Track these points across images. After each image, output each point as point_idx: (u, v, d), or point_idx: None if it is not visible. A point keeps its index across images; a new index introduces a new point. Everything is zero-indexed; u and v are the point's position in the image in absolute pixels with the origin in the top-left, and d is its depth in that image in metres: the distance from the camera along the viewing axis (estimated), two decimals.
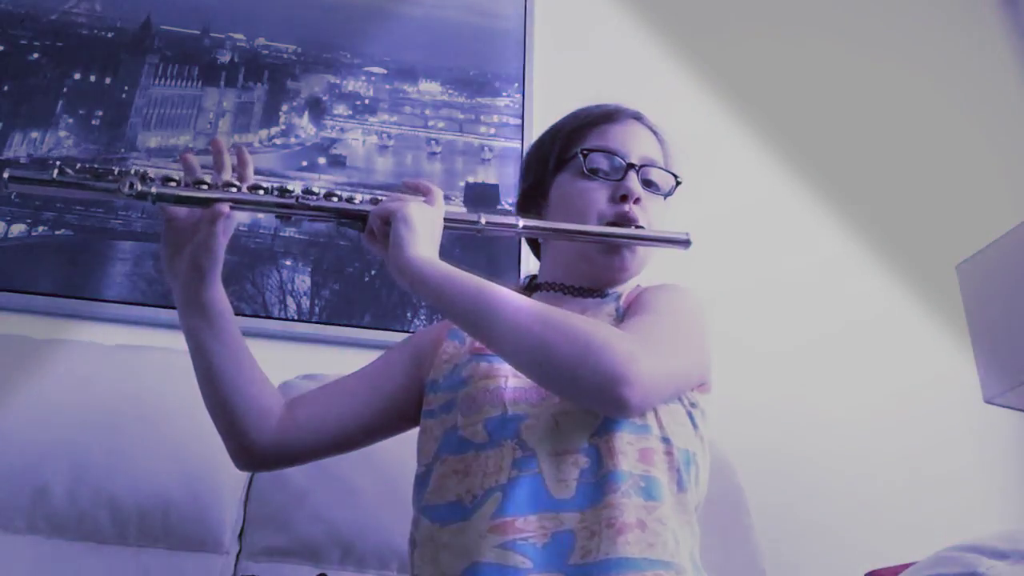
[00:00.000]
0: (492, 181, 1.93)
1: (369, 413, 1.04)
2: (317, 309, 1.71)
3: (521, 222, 0.99)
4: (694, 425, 0.96)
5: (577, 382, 0.81)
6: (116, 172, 0.87)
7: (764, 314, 1.94)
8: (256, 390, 0.98)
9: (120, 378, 1.37)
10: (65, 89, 1.79)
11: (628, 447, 0.87)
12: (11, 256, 1.62)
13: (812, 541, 1.70)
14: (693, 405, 0.97)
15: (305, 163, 1.85)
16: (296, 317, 1.69)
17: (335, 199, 0.93)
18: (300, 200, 0.91)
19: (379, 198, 0.94)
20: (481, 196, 1.90)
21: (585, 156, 1.03)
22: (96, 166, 0.88)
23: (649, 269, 1.08)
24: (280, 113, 1.89)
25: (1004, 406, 1.68)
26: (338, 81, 1.95)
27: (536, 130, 1.17)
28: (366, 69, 1.98)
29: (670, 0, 2.24)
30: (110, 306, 1.61)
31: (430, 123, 1.96)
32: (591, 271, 1.04)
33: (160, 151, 1.78)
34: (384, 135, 1.92)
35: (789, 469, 1.77)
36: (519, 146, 1.93)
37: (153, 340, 1.53)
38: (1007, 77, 2.38)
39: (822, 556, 1.67)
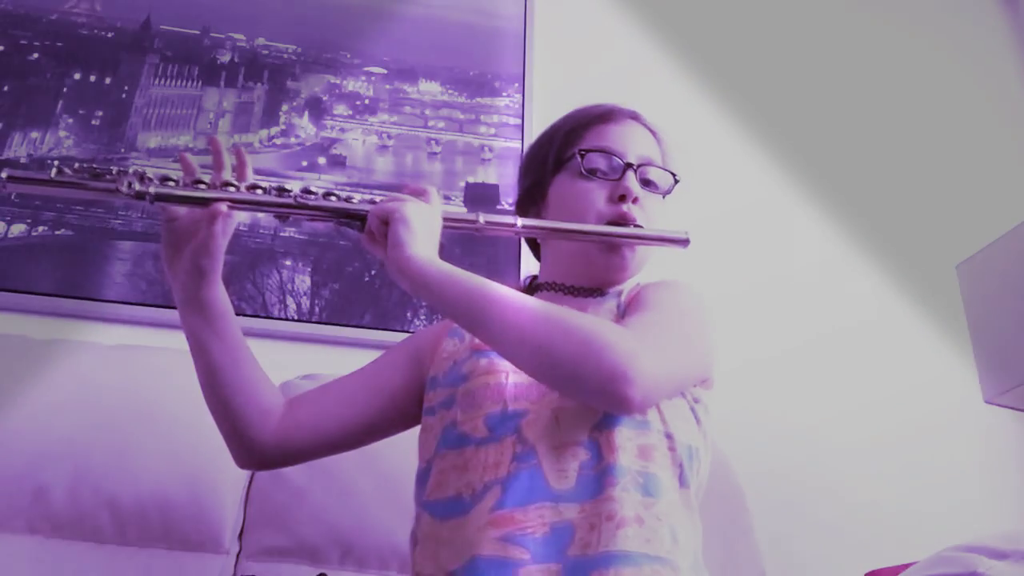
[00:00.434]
0: (492, 181, 1.93)
1: (369, 412, 1.04)
2: (317, 309, 1.71)
3: (520, 221, 0.99)
4: (697, 420, 0.96)
5: (579, 380, 0.81)
6: (114, 172, 0.86)
7: (764, 314, 1.94)
8: (257, 389, 0.98)
9: (120, 378, 1.37)
10: (65, 89, 1.79)
11: (628, 442, 0.88)
12: (11, 256, 1.62)
13: (812, 541, 1.70)
14: (696, 400, 0.97)
15: (305, 163, 1.85)
16: (296, 317, 1.69)
17: (334, 199, 0.92)
18: (299, 200, 0.91)
19: (376, 198, 0.94)
20: (481, 196, 1.90)
21: (583, 156, 1.03)
22: (94, 166, 0.87)
23: (648, 269, 1.08)
24: (280, 113, 1.89)
25: (1004, 406, 1.68)
26: (338, 81, 1.95)
27: (536, 130, 1.17)
28: (366, 69, 1.98)
29: (670, 0, 2.24)
30: (110, 306, 1.62)
31: (430, 123, 1.96)
32: (591, 270, 1.04)
33: (160, 151, 1.78)
34: (384, 135, 1.92)
35: (789, 469, 1.77)
36: (519, 146, 1.93)
37: (153, 340, 1.53)
38: (1007, 77, 2.38)
39: (822, 556, 1.68)
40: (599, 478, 0.85)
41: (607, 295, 1.04)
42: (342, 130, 1.91)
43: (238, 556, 1.31)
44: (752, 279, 1.96)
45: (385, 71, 1.98)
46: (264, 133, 1.87)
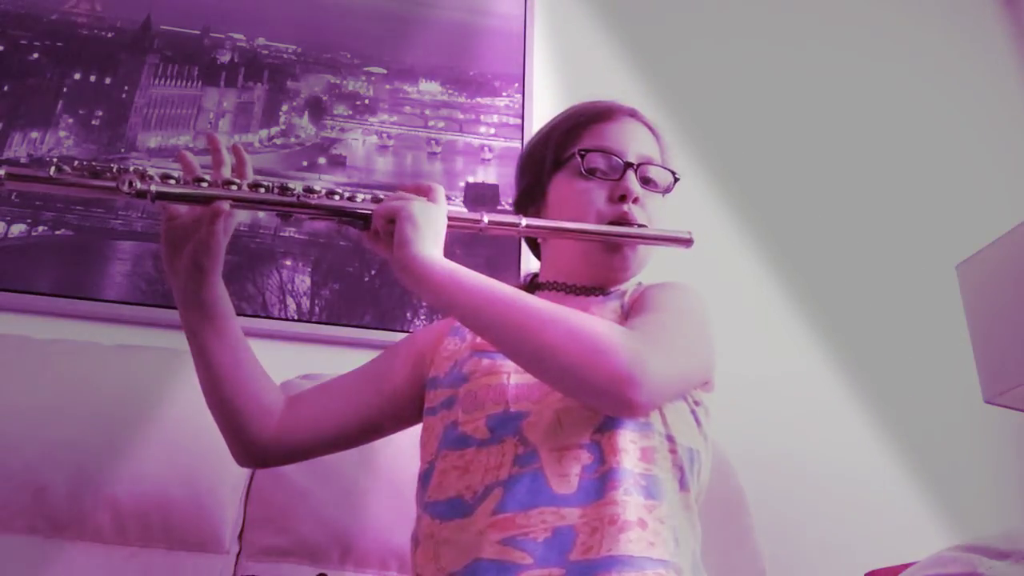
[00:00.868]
0: (492, 181, 1.93)
1: (369, 411, 1.04)
2: (317, 309, 1.71)
3: (524, 221, 0.99)
4: (698, 423, 0.96)
5: (584, 382, 0.81)
6: (115, 170, 0.85)
7: (764, 313, 1.94)
8: (257, 387, 0.98)
9: (120, 378, 1.37)
10: (65, 89, 1.79)
11: (631, 445, 0.87)
12: (11, 256, 1.62)
13: (812, 541, 1.70)
14: (697, 403, 0.97)
15: (305, 163, 1.85)
16: (296, 317, 1.69)
17: (336, 197, 0.92)
18: (301, 198, 0.90)
19: (380, 197, 0.93)
20: (481, 196, 1.90)
21: (583, 157, 1.03)
22: (95, 163, 0.86)
23: (649, 268, 1.08)
24: (280, 113, 1.89)
25: (1004, 406, 1.68)
26: (338, 81, 1.95)
27: (536, 130, 1.17)
28: (366, 69, 1.98)
29: (670, 0, 2.24)
30: (110, 306, 1.61)
31: (430, 123, 1.96)
32: (592, 270, 1.04)
33: (160, 151, 1.78)
34: (384, 135, 1.92)
35: (789, 469, 1.76)
36: (519, 146, 1.93)
37: (153, 340, 1.53)
38: (1007, 77, 2.38)
39: (822, 556, 1.67)
40: (601, 482, 0.85)
41: (609, 295, 1.04)
42: (342, 130, 1.90)
43: (238, 556, 1.31)
44: (751, 279, 1.96)
45: (385, 71, 1.98)
46: (264, 133, 1.87)
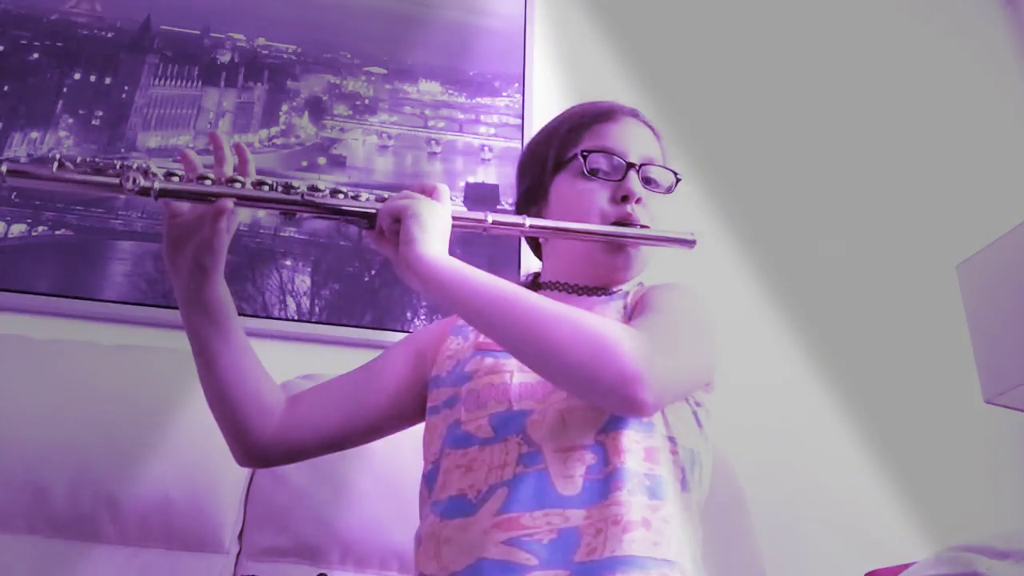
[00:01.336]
0: (492, 181, 1.93)
1: (370, 410, 1.04)
2: (317, 309, 1.71)
3: (528, 221, 0.99)
4: (699, 424, 0.96)
5: (591, 382, 0.81)
6: (118, 166, 0.84)
7: (764, 313, 1.94)
8: (258, 387, 0.98)
9: (120, 378, 1.37)
10: (65, 89, 1.79)
11: (635, 445, 0.87)
12: (11, 256, 1.62)
13: (812, 541, 1.70)
14: (698, 404, 0.97)
15: (305, 163, 1.85)
16: (296, 317, 1.69)
17: (341, 196, 0.91)
18: (306, 197, 0.89)
19: (384, 196, 0.92)
20: (481, 196, 1.90)
21: (585, 158, 1.03)
22: (97, 160, 0.85)
23: (650, 268, 1.08)
24: (280, 113, 1.89)
25: (1004, 406, 1.68)
26: (338, 81, 1.95)
27: (536, 130, 1.17)
28: (366, 69, 1.98)
29: (670, 0, 2.24)
30: (110, 306, 1.61)
31: (430, 123, 1.96)
32: (595, 270, 1.04)
33: (160, 151, 1.78)
34: (384, 135, 1.92)
35: (789, 469, 1.77)
36: (519, 146, 1.93)
37: (153, 340, 1.53)
38: (1007, 77, 2.38)
39: (822, 556, 1.68)
40: (605, 483, 0.85)
41: (612, 295, 1.04)
42: (342, 130, 1.90)
43: (238, 556, 1.31)
44: (751, 279, 1.96)
45: (385, 71, 1.98)
46: (264, 133, 1.87)
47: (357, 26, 2.01)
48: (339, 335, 1.69)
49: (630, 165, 1.03)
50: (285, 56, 1.95)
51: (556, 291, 1.06)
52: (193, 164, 0.89)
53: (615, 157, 1.04)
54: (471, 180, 1.92)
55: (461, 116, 1.98)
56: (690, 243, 1.04)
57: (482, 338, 0.98)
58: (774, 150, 2.13)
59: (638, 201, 1.02)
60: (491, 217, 0.96)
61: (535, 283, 1.11)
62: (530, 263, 1.21)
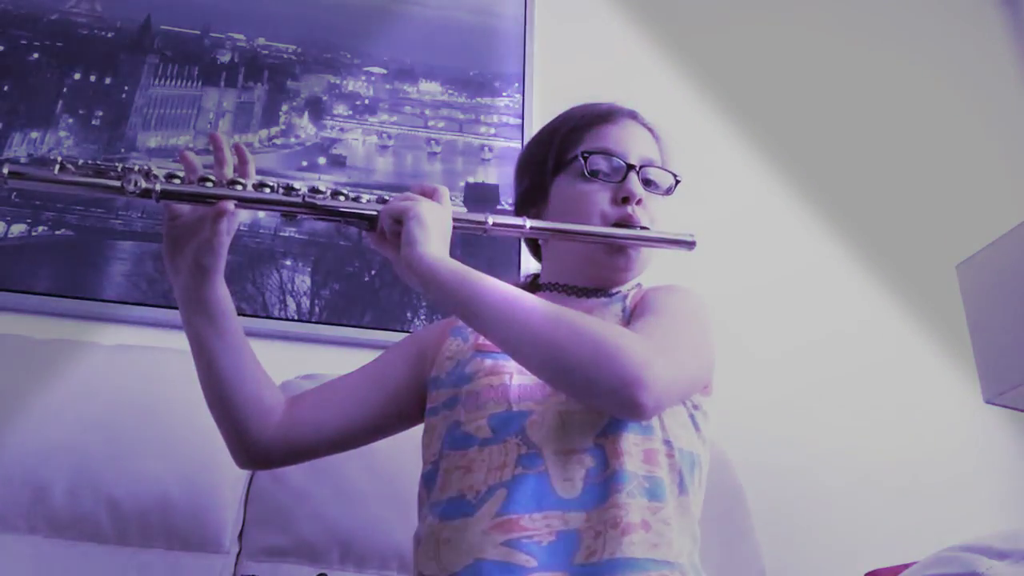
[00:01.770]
0: (492, 181, 1.93)
1: (370, 411, 1.04)
2: (317, 309, 1.71)
3: (528, 223, 0.99)
4: (696, 427, 0.96)
5: (591, 385, 0.81)
6: (119, 168, 0.85)
7: (764, 314, 1.94)
8: (258, 388, 0.98)
9: (120, 378, 1.37)
10: (65, 89, 1.79)
11: (634, 448, 0.88)
12: (11, 256, 1.62)
13: (812, 541, 1.70)
14: (695, 407, 0.97)
15: (305, 163, 1.85)
16: (296, 317, 1.69)
17: (342, 198, 0.91)
18: (307, 199, 0.90)
19: (385, 198, 0.93)
20: (481, 196, 1.90)
21: (585, 159, 1.03)
22: (99, 162, 0.85)
23: (650, 269, 1.08)
24: (280, 113, 1.89)
25: (1004, 406, 1.68)
26: (338, 81, 1.95)
27: (536, 130, 1.17)
28: (366, 69, 1.98)
29: (670, 0, 2.24)
30: (110, 306, 1.61)
31: (430, 123, 1.96)
32: (595, 271, 1.05)
33: (160, 151, 1.78)
34: (384, 135, 1.92)
35: (789, 469, 1.76)
36: (519, 146, 1.93)
37: (153, 340, 1.53)
38: (1007, 77, 2.38)
39: (822, 556, 1.68)
40: (605, 485, 0.85)
41: (611, 296, 1.04)
42: (342, 130, 1.90)
43: (238, 556, 1.31)
44: (751, 280, 1.96)
45: (385, 71, 1.98)
46: (264, 133, 1.87)
47: (357, 26, 2.01)
48: (339, 335, 1.69)
49: (630, 166, 1.03)
50: (285, 56, 1.95)
51: (555, 292, 1.06)
52: (194, 166, 0.89)
53: (615, 158, 1.04)
54: (471, 180, 1.92)
55: (461, 116, 1.98)
56: (690, 244, 1.04)
57: (482, 339, 0.98)
58: (774, 151, 2.13)
59: (638, 202, 1.02)
60: (491, 219, 0.96)
61: (534, 284, 1.11)
62: (530, 264, 1.21)
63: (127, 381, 1.36)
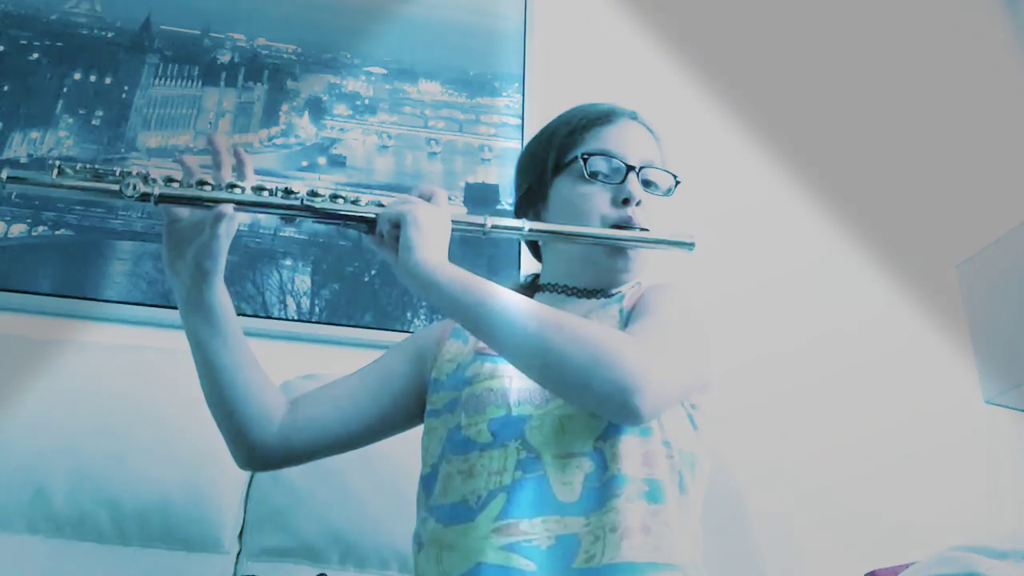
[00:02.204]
0: (492, 181, 1.93)
1: (372, 412, 1.04)
2: (317, 309, 1.71)
3: (527, 225, 0.99)
4: (694, 427, 0.96)
5: (589, 390, 0.81)
6: (117, 172, 0.85)
7: (764, 314, 1.94)
8: (258, 390, 0.98)
9: (120, 378, 1.37)
10: (65, 89, 1.79)
11: (633, 451, 0.88)
12: (11, 256, 1.62)
13: (812, 541, 1.70)
14: (694, 407, 0.97)
15: (305, 163, 1.85)
16: (296, 317, 1.69)
17: (341, 200, 0.91)
18: (305, 202, 0.90)
19: (384, 200, 0.92)
20: (481, 196, 1.90)
21: (585, 160, 1.03)
22: (97, 166, 0.85)
23: (649, 269, 1.08)
24: (280, 113, 1.89)
25: (1004, 406, 1.68)
26: (338, 81, 1.95)
27: (536, 130, 1.17)
28: (366, 69, 1.98)
29: (670, 0, 2.24)
30: (110, 306, 1.61)
31: (430, 123, 1.96)
32: (594, 272, 1.05)
33: (160, 151, 1.78)
34: (384, 135, 1.92)
35: (789, 470, 1.76)
36: (519, 146, 1.93)
37: (153, 340, 1.53)
38: (1007, 77, 2.38)
39: (822, 556, 1.67)
40: (604, 489, 0.85)
41: (610, 297, 1.04)
42: (342, 130, 1.90)
43: (238, 556, 1.31)
44: (751, 280, 1.96)
45: (385, 71, 1.98)
46: (264, 133, 1.87)
47: (357, 26, 2.01)
48: (339, 335, 1.69)
49: (630, 168, 1.03)
50: (285, 56, 1.95)
51: (554, 293, 1.06)
52: (191, 171, 0.89)
53: (615, 160, 1.04)
54: (471, 180, 1.92)
55: (461, 116, 1.98)
56: (689, 246, 1.04)
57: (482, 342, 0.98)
58: (774, 151, 2.12)
59: (638, 204, 1.02)
60: (490, 221, 0.96)
61: (533, 285, 1.11)
62: (532, 263, 1.21)
63: (127, 381, 1.36)
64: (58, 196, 1.59)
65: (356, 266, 1.76)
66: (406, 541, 0.98)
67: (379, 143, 1.91)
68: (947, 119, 2.26)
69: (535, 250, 1.17)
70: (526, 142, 1.22)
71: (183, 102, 1.85)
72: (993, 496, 1.86)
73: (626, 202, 1.02)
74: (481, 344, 0.99)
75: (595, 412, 0.87)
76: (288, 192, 0.90)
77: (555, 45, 2.09)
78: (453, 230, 0.93)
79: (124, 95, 1.82)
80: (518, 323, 0.83)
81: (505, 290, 0.87)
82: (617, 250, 1.02)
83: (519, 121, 1.98)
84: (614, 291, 1.05)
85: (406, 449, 1.12)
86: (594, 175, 1.03)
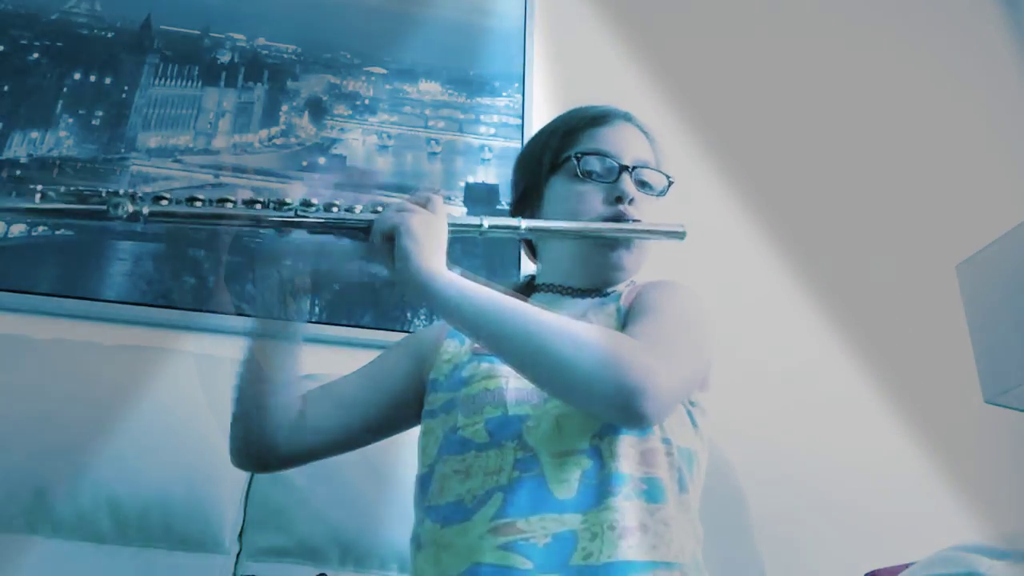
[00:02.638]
0: (492, 181, 1.93)
1: (372, 412, 1.04)
2: (317, 309, 1.71)
3: (523, 224, 0.99)
4: (693, 424, 0.96)
5: (594, 395, 0.81)
6: (103, 193, 0.83)
7: (764, 314, 1.94)
8: (293, 401, 0.99)
9: (120, 378, 1.37)
10: (65, 89, 1.79)
11: (630, 449, 0.88)
12: (11, 256, 1.62)
13: (812, 541, 1.70)
14: (693, 404, 0.97)
15: (305, 163, 1.85)
16: None
17: (335, 209, 0.90)
18: (299, 213, 0.89)
19: (378, 208, 0.91)
20: (481, 196, 1.90)
21: (579, 160, 1.04)
22: (81, 188, 0.84)
23: (647, 269, 1.08)
24: (280, 113, 1.89)
25: (1004, 406, 1.68)
26: (338, 81, 1.95)
27: (536, 130, 1.17)
28: (366, 69, 1.98)
29: (670, 1, 2.24)
30: (110, 306, 1.61)
31: (430, 123, 1.96)
32: (589, 271, 1.05)
33: (160, 151, 1.78)
34: (384, 135, 1.92)
35: (789, 469, 1.76)
36: (519, 146, 1.93)
37: (153, 340, 1.53)
38: (1007, 77, 2.38)
39: (822, 556, 1.67)
40: (601, 487, 0.85)
41: (606, 296, 1.04)
42: (342, 130, 1.90)
43: (238, 556, 1.31)
44: (751, 280, 1.96)
45: (385, 71, 1.98)
46: (264, 133, 1.87)
47: (357, 26, 2.01)
48: (339, 335, 1.69)
49: (623, 167, 1.04)
50: (285, 56, 1.95)
51: (551, 293, 1.06)
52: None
53: (609, 159, 1.04)
54: (471, 180, 1.92)
55: (461, 116, 1.98)
56: (680, 235, 1.05)
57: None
58: (773, 150, 2.13)
59: (631, 202, 1.02)
60: (487, 222, 0.96)
61: (530, 285, 1.11)
62: (531, 264, 1.21)
63: (127, 381, 1.36)
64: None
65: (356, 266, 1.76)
66: (405, 541, 0.98)
67: (379, 143, 1.91)
68: (947, 119, 2.26)
69: (531, 251, 1.17)
70: (522, 145, 1.22)
71: (183, 102, 1.85)
72: (993, 496, 1.86)
73: (619, 200, 1.02)
74: (478, 344, 1.00)
75: (602, 417, 0.87)
76: (281, 204, 0.89)
77: (555, 45, 2.09)
78: (450, 232, 0.92)
79: (124, 95, 1.82)
80: (520, 329, 0.83)
81: (504, 296, 0.86)
82: (611, 246, 1.02)
83: (519, 121, 1.98)
84: (610, 290, 1.05)
85: (406, 449, 1.12)
86: (588, 174, 1.04)
